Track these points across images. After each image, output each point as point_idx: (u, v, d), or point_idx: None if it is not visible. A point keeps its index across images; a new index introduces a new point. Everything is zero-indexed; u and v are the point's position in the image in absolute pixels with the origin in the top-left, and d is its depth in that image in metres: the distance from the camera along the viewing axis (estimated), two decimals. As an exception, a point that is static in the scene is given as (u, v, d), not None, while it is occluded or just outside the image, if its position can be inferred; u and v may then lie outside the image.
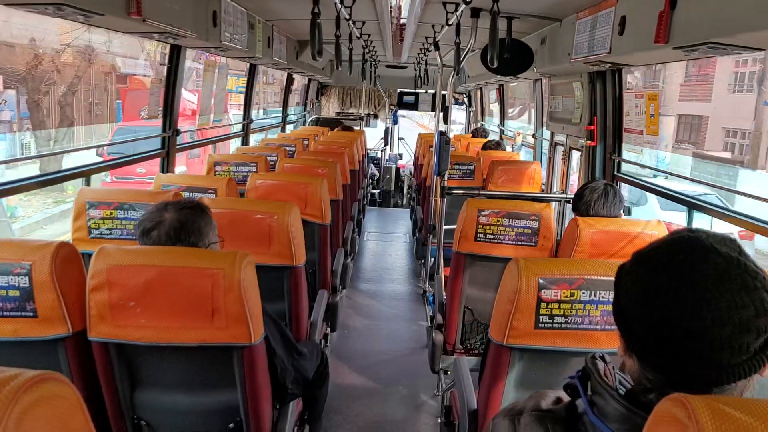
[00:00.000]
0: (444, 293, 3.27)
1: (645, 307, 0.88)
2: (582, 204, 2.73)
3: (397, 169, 10.60)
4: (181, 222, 1.84)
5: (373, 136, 10.50)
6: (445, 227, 4.09)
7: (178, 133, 4.05)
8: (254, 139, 6.54)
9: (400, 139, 11.38)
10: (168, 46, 3.87)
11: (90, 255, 1.70)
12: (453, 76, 4.45)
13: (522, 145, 7.00)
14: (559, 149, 4.95)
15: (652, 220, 2.68)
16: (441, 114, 4.79)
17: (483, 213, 2.85)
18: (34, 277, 1.61)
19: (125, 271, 1.67)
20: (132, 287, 1.67)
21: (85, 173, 3.18)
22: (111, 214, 2.53)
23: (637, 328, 0.90)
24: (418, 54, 7.48)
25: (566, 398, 1.04)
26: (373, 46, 6.83)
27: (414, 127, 21.95)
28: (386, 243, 7.68)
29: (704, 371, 0.84)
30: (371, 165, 9.91)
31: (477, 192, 4.27)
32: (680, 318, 0.83)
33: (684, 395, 0.73)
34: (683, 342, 0.84)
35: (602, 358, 0.99)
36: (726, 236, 0.89)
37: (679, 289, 0.84)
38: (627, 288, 0.93)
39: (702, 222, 3.00)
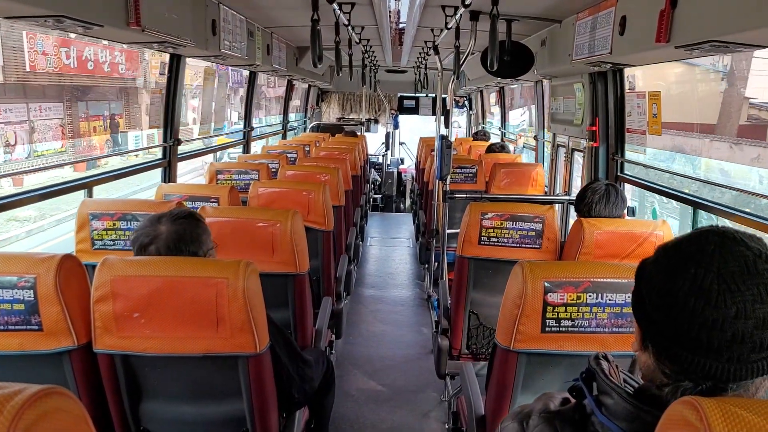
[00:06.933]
0: (449, 298, 3.26)
1: (668, 294, 0.86)
2: (583, 205, 2.72)
3: (399, 174, 10.60)
4: (179, 233, 1.83)
5: (374, 141, 10.51)
6: (448, 231, 4.08)
7: (179, 142, 4.05)
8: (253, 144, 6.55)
9: (401, 143, 11.39)
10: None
11: (94, 266, 1.70)
12: (453, 79, 4.45)
13: (524, 147, 7.00)
14: (561, 151, 4.94)
15: (657, 220, 2.66)
16: (442, 118, 4.78)
17: (486, 216, 2.84)
18: (39, 290, 1.60)
19: (129, 282, 1.66)
20: (136, 298, 1.67)
21: (86, 185, 3.18)
22: (114, 224, 2.53)
23: (658, 317, 0.88)
24: (418, 58, 7.48)
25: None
26: (373, 51, 6.84)
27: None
28: (389, 248, 7.67)
29: (723, 365, 0.82)
30: (373, 170, 9.92)
31: (479, 195, 4.26)
32: (704, 306, 0.82)
33: (695, 398, 0.72)
34: (704, 332, 0.82)
35: (605, 357, 0.99)
36: (754, 234, 0.88)
37: (706, 277, 0.83)
38: (651, 277, 0.91)
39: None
